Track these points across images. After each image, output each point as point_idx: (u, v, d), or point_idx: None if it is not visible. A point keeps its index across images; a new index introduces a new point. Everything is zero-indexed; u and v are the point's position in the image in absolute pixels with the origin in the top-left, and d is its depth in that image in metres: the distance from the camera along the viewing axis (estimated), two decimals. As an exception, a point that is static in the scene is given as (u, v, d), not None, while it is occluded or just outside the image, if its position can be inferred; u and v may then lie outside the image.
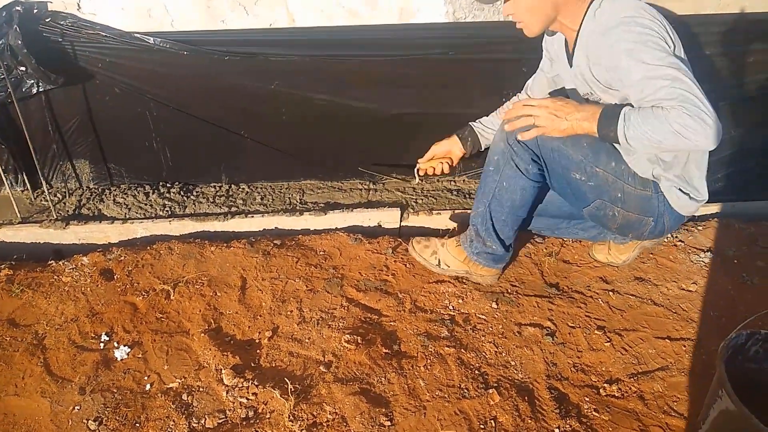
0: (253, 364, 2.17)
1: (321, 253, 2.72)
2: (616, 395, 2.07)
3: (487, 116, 2.61)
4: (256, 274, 2.58)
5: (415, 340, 2.28)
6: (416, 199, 3.11)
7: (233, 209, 3.02)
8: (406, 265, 2.65)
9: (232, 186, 3.17)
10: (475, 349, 2.25)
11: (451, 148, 2.62)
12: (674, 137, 1.80)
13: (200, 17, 2.59)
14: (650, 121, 1.83)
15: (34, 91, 2.60)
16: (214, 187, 3.16)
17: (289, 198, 3.11)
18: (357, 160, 3.13)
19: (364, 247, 2.75)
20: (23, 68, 2.50)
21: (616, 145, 2.14)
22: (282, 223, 2.93)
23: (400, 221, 2.99)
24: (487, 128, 2.60)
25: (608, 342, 2.27)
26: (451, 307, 2.44)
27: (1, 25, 2.39)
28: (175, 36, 2.58)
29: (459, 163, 2.68)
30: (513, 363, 2.20)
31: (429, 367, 2.16)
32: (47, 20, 2.49)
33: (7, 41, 2.41)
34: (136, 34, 2.56)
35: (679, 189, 2.21)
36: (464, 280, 2.55)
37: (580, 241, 2.76)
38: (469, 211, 2.97)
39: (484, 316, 2.39)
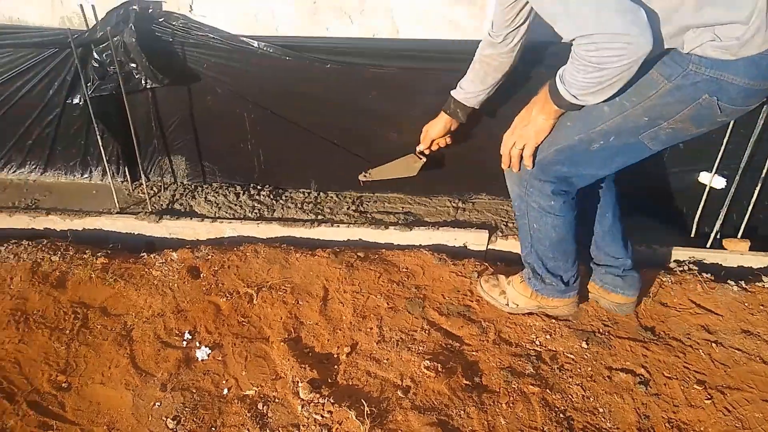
0: (330, 380, 2.14)
1: (404, 270, 2.66)
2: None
3: (465, 75, 2.42)
4: (338, 285, 2.55)
5: (497, 374, 2.19)
6: (507, 222, 3.00)
7: (320, 217, 3.01)
8: (491, 291, 2.56)
9: (321, 193, 3.16)
10: (561, 390, 2.14)
11: (445, 126, 2.57)
12: (604, 70, 1.62)
13: (304, 23, 2.59)
14: (575, 66, 1.67)
15: (141, 87, 2.67)
16: (303, 193, 3.16)
17: (374, 210, 3.08)
18: (447, 177, 3.06)
19: (449, 268, 2.68)
20: (134, 65, 2.56)
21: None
22: (366, 235, 2.90)
23: (488, 244, 2.90)
24: (469, 91, 2.43)
25: (709, 399, 2.11)
26: (537, 343, 2.33)
27: (117, 22, 2.46)
28: (279, 41, 2.59)
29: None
30: (601, 410, 2.08)
31: (511, 405, 2.07)
32: (160, 20, 2.55)
33: (122, 38, 2.48)
34: (242, 37, 2.58)
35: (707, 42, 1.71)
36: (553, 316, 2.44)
37: (681, 283, 2.60)
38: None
39: (572, 356, 2.28)
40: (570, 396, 2.12)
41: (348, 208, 3.08)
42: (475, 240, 2.89)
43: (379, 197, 3.17)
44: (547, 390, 2.13)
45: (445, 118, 2.55)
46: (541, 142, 2.01)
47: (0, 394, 2.03)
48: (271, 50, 2.58)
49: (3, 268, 2.53)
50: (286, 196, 3.14)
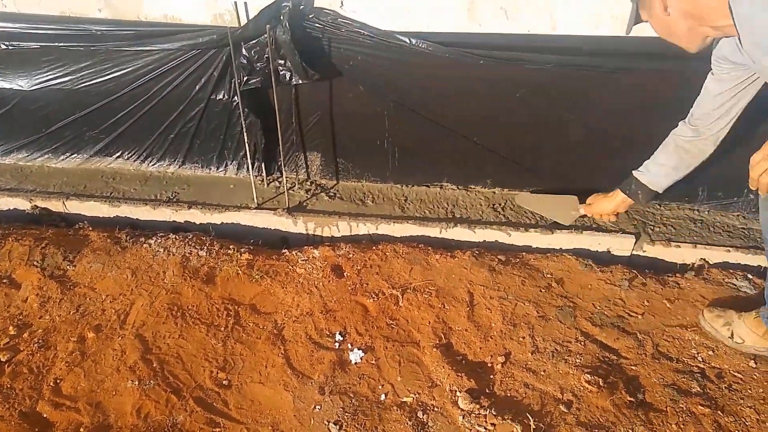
0: (487, 390, 2.08)
1: (548, 275, 2.57)
2: None
3: (654, 156, 2.32)
4: (483, 291, 2.49)
5: (661, 391, 2.08)
6: (654, 226, 2.86)
7: (456, 216, 2.95)
8: (644, 302, 2.44)
9: (455, 191, 3.10)
10: (734, 413, 2.01)
11: (617, 206, 2.47)
12: None
13: (458, 18, 2.52)
14: None
15: (287, 83, 2.66)
16: (437, 190, 3.11)
17: (509, 209, 2.99)
18: (593, 176, 2.94)
19: (596, 275, 2.57)
20: (282, 61, 2.56)
21: None
22: (504, 237, 2.82)
23: (632, 249, 2.78)
24: (658, 174, 2.31)
25: None
26: (700, 359, 2.20)
27: (269, 18, 2.46)
28: (431, 37, 2.53)
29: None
30: (778, 436, 1.95)
31: (682, 426, 1.96)
32: (311, 16, 2.53)
33: (274, 35, 2.47)
34: (393, 33, 2.53)
35: None
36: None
37: None
38: (713, 248, 2.73)
39: (740, 375, 2.14)
40: (743, 419, 1.99)
41: (482, 206, 3.01)
42: (620, 245, 2.77)
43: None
44: (719, 411, 2.01)
45: (619, 198, 2.44)
46: None
47: (168, 388, 2.08)
48: (423, 46, 2.52)
49: (156, 262, 2.59)
50: (417, 194, 3.10)
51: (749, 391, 2.08)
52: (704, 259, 2.74)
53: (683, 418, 1.98)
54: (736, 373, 2.15)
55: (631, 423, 1.96)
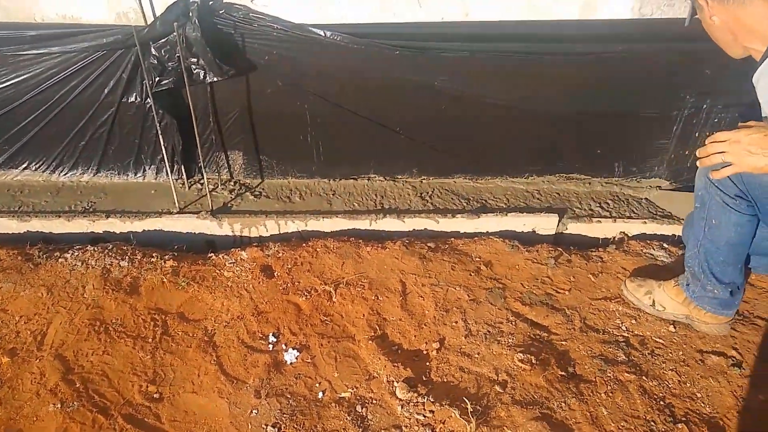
0: (424, 378, 2.09)
1: (477, 259, 2.61)
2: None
3: None
4: (415, 279, 2.49)
5: (590, 362, 2.14)
6: (576, 203, 2.94)
7: (384, 207, 2.94)
8: (570, 278, 2.51)
9: (382, 182, 3.10)
10: (657, 377, 2.10)
11: None
12: None
13: (372, 9, 2.50)
14: None
15: (201, 81, 2.58)
16: (364, 182, 3.10)
17: (436, 196, 3.01)
18: (515, 158, 3.00)
19: (523, 255, 2.62)
20: (195, 59, 2.48)
21: None
22: (433, 224, 2.84)
23: (557, 227, 2.85)
24: None
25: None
26: (624, 328, 2.29)
27: (177, 16, 2.38)
28: (345, 28, 2.50)
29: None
30: (699, 395, 2.04)
31: (610, 394, 2.03)
32: (221, 12, 2.46)
33: (184, 33, 2.39)
34: (306, 26, 2.49)
35: None
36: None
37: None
38: (631, 221, 2.83)
39: (661, 340, 2.23)
40: (666, 382, 2.08)
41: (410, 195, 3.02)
42: (545, 224, 2.83)
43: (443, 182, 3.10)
44: (643, 377, 2.09)
45: None
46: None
47: (94, 408, 1.99)
48: (337, 38, 2.49)
49: (73, 277, 2.47)
50: (346, 188, 3.07)
51: (670, 355, 2.18)
52: (624, 233, 2.84)
53: (611, 387, 2.05)
54: (657, 339, 2.24)
55: (563, 396, 2.01)
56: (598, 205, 2.95)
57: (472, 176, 3.07)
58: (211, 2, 2.43)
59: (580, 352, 2.19)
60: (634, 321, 2.32)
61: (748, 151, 1.75)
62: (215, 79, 2.54)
